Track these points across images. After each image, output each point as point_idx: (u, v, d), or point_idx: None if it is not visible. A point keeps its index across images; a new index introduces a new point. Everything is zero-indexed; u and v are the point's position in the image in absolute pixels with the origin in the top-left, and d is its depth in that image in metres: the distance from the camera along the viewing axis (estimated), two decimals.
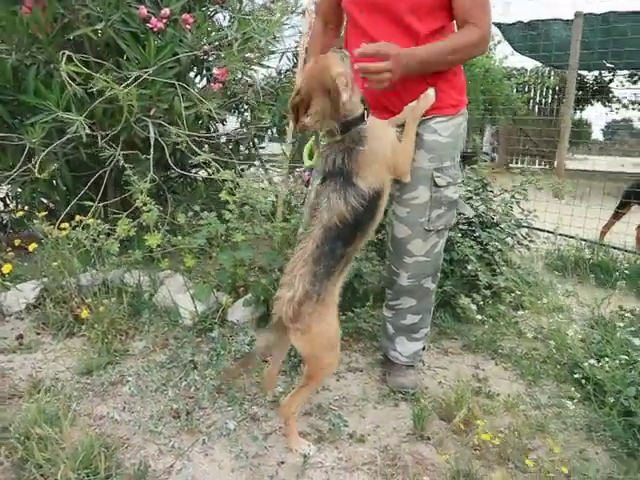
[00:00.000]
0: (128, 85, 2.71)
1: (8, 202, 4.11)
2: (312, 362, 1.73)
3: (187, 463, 1.71)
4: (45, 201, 3.80)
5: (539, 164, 12.28)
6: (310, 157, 2.00)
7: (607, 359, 2.09)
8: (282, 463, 1.72)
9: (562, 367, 2.29)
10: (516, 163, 12.25)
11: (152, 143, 2.90)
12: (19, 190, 3.66)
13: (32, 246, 2.73)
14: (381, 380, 2.22)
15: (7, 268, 2.66)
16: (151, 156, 2.87)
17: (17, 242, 3.02)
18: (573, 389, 2.08)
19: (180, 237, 2.65)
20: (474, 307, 2.58)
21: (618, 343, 2.24)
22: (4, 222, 4.03)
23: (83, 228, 2.62)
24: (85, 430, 1.77)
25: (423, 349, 2.24)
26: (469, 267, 2.70)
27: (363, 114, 1.74)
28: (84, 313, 2.51)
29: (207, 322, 2.55)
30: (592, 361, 2.12)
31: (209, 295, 2.66)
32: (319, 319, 1.67)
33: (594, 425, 1.93)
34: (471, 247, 2.72)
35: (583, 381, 2.09)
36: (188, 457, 1.74)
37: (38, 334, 2.74)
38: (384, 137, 1.78)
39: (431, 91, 1.85)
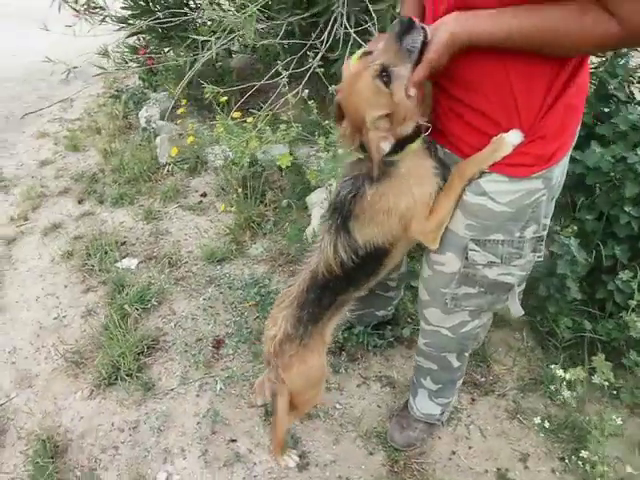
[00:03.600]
0: None
1: None
2: (294, 395, 1.79)
3: None
4: None
5: None
6: None
7: None
8: None
9: None
10: None
11: None
12: None
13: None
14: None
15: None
16: None
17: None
18: None
19: None
20: None
21: None
22: None
23: None
24: None
25: (442, 414, 2.02)
26: None
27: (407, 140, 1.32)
28: None
29: None
30: None
31: None
32: (300, 361, 1.65)
33: None
34: None
35: None
36: None
37: (217, 196, 3.34)
38: (411, 182, 1.37)
39: (512, 135, 1.19)
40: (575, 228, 2.24)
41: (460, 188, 1.33)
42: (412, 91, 1.18)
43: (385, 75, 1.19)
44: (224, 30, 2.70)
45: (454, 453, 2.02)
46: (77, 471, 2.09)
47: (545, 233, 1.42)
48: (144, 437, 2.15)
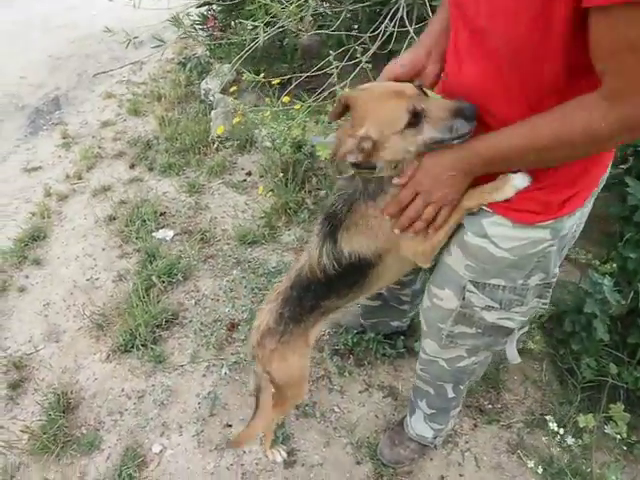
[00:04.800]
0: None
1: None
2: (276, 390, 1.78)
3: None
4: None
5: None
6: None
7: None
8: None
9: None
10: None
11: None
12: None
13: None
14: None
15: None
16: None
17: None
18: None
19: None
20: None
21: None
22: None
23: None
24: None
25: (435, 438, 1.96)
26: None
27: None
28: None
29: None
30: None
31: None
32: (280, 358, 1.64)
33: None
34: None
35: None
36: None
37: (261, 177, 3.35)
38: None
39: (518, 178, 1.12)
40: (615, 266, 2.10)
41: (457, 217, 1.27)
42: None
43: (416, 119, 1.15)
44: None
45: (443, 478, 1.98)
46: (83, 429, 2.21)
47: (554, 280, 1.32)
48: (147, 408, 2.24)
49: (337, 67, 2.72)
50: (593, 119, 0.91)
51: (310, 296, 1.53)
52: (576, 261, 2.32)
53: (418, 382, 1.82)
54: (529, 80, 0.99)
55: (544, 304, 1.35)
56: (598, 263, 2.15)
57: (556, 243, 1.20)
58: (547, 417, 2.01)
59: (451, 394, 1.74)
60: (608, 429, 1.98)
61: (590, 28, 0.85)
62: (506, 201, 1.14)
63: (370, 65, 2.57)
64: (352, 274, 1.44)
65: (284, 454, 2.00)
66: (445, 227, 1.28)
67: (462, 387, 1.74)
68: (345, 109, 1.28)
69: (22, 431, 2.18)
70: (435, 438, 1.95)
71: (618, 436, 1.91)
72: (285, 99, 3.10)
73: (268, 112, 2.94)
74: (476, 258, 1.26)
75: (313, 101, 2.61)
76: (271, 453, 2.00)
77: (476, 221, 1.23)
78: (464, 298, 1.34)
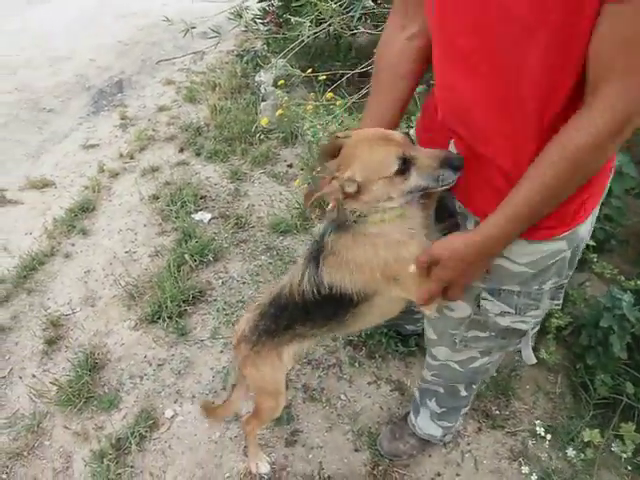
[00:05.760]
0: None
1: None
2: (255, 396, 1.82)
3: None
4: None
5: None
6: None
7: None
8: None
9: None
10: None
11: None
12: None
13: None
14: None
15: None
16: None
17: None
18: None
19: None
20: None
21: None
22: None
23: None
24: None
25: (444, 436, 1.96)
26: None
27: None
28: None
29: None
30: None
31: None
32: (253, 365, 1.69)
33: None
34: None
35: None
36: None
37: (302, 170, 3.44)
38: (378, 243, 1.26)
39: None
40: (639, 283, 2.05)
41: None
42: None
43: (405, 166, 1.16)
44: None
45: (439, 475, 2.00)
46: (105, 388, 2.36)
47: (567, 281, 1.31)
48: (165, 376, 2.36)
49: None
50: (599, 138, 0.91)
51: (286, 316, 1.52)
52: (602, 275, 2.28)
53: (426, 385, 1.82)
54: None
55: (557, 304, 1.35)
56: (623, 279, 2.10)
57: (571, 250, 1.21)
58: (536, 422, 1.98)
59: (464, 393, 1.74)
60: (615, 447, 1.94)
61: (603, 24, 0.85)
62: None
63: None
64: (331, 306, 1.39)
65: (267, 466, 2.01)
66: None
67: (475, 386, 1.74)
68: (338, 150, 1.25)
69: (52, 383, 2.35)
70: (444, 436, 1.97)
71: (624, 455, 1.87)
72: (329, 95, 3.16)
73: (310, 106, 3.02)
74: (492, 274, 1.26)
75: (353, 98, 2.67)
76: (255, 465, 2.01)
77: None
78: (479, 306, 1.35)
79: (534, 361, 1.48)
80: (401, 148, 1.17)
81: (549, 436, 1.84)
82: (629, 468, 1.95)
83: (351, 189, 1.18)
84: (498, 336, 1.41)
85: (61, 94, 4.85)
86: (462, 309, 1.39)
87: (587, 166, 0.98)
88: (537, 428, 1.83)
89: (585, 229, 1.20)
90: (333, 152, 1.27)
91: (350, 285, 1.32)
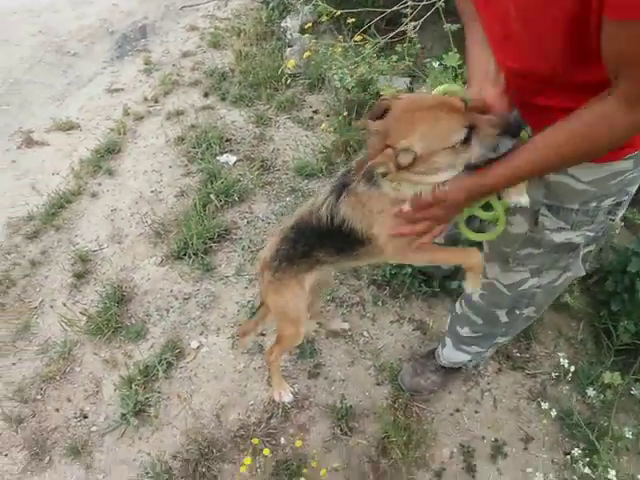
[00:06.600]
0: None
1: None
2: (277, 323, 1.87)
3: None
4: None
5: None
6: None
7: None
8: None
9: None
10: None
11: None
12: None
13: None
14: None
15: None
16: None
17: None
18: None
19: None
20: None
21: None
22: None
23: None
24: None
25: (470, 361, 1.97)
26: None
27: None
28: None
29: None
30: None
31: None
32: (275, 292, 1.72)
33: None
34: None
35: None
36: None
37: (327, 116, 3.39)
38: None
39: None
40: None
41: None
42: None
43: (468, 135, 1.11)
44: None
45: (458, 411, 2.03)
46: (132, 320, 2.42)
47: (626, 199, 1.31)
48: (191, 309, 2.41)
49: (410, 7, 2.70)
50: (615, 124, 0.96)
51: (303, 241, 1.55)
52: (632, 223, 2.25)
53: (466, 311, 1.80)
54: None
55: (612, 219, 1.35)
56: None
57: (637, 171, 1.21)
58: (560, 355, 1.98)
59: (504, 319, 1.71)
60: (635, 390, 1.96)
61: (607, 36, 0.89)
62: None
63: (444, 4, 2.52)
64: (341, 239, 1.43)
65: (290, 396, 2.05)
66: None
67: (517, 312, 1.69)
68: (384, 112, 1.18)
69: (81, 313, 2.42)
70: (470, 361, 1.98)
71: None
72: (357, 38, 3.10)
73: (339, 48, 2.96)
74: (555, 191, 1.28)
75: (385, 38, 2.61)
76: (278, 394, 2.05)
77: None
78: (536, 223, 1.35)
79: (583, 273, 1.48)
80: (465, 116, 1.11)
81: (572, 369, 1.85)
82: None
83: (406, 160, 1.10)
84: (552, 251, 1.42)
85: (84, 38, 4.81)
86: (519, 225, 1.40)
87: (602, 152, 1.04)
88: (561, 360, 1.83)
89: None
90: (379, 114, 1.18)
91: (360, 227, 1.36)
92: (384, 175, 1.17)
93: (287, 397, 2.05)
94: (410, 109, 1.14)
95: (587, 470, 1.74)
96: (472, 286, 1.42)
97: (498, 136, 1.10)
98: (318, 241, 1.52)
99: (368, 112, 1.29)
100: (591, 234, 1.37)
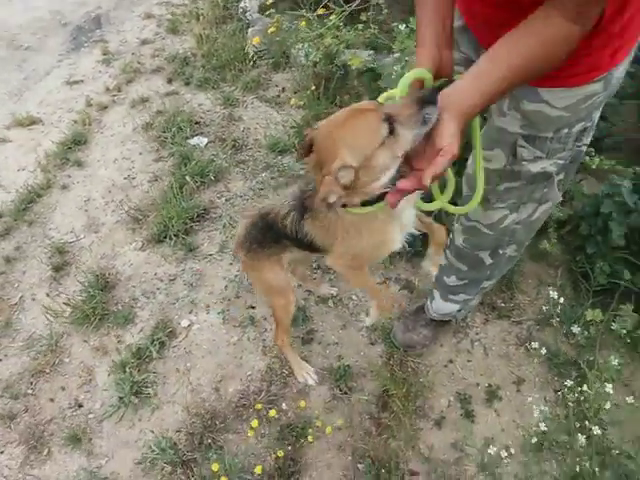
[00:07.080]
0: None
1: None
2: (265, 300, 1.93)
3: None
4: None
5: None
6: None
7: None
8: None
9: None
10: None
11: None
12: None
13: None
14: None
15: None
16: None
17: None
18: None
19: None
20: None
21: None
22: None
23: None
24: None
25: (459, 311, 2.04)
26: None
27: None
28: None
29: None
30: None
31: None
32: (253, 269, 1.77)
33: None
34: None
35: None
36: None
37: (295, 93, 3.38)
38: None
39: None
40: (638, 169, 2.11)
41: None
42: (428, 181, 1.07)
43: (392, 125, 1.08)
44: None
45: (451, 362, 2.10)
46: (119, 305, 2.40)
47: (591, 125, 1.38)
48: (178, 289, 2.40)
49: None
50: (565, 42, 1.01)
51: (272, 234, 1.61)
52: (599, 173, 2.33)
53: (450, 259, 1.86)
54: None
55: (578, 146, 1.41)
56: (620, 167, 2.16)
57: (605, 94, 1.27)
58: (549, 288, 2.06)
59: (488, 261, 1.77)
60: (615, 325, 2.05)
61: None
62: (560, 71, 1.14)
63: None
64: (305, 244, 1.54)
65: (316, 377, 2.06)
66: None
67: (500, 252, 1.74)
68: (311, 146, 1.18)
69: (65, 304, 2.39)
70: (459, 311, 2.04)
71: (624, 331, 1.97)
72: (320, 11, 3.10)
73: (303, 22, 2.96)
74: (531, 120, 1.34)
75: (351, 7, 2.62)
76: (302, 376, 2.06)
77: (532, 90, 1.27)
78: (514, 155, 1.42)
79: (560, 198, 1.57)
80: (379, 111, 1.10)
81: (561, 300, 1.93)
82: (629, 342, 2.05)
83: (348, 178, 1.10)
84: (528, 183, 1.48)
85: (37, 31, 4.66)
86: (498, 160, 1.47)
87: (553, 65, 1.07)
88: (550, 292, 1.91)
89: (618, 74, 1.25)
90: (307, 149, 1.20)
91: (322, 245, 1.50)
92: (343, 205, 1.20)
93: (312, 380, 2.05)
94: (328, 132, 1.14)
95: (580, 399, 1.83)
96: (370, 319, 1.81)
97: (420, 111, 1.07)
98: (285, 237, 1.59)
99: (298, 151, 1.42)
100: (561, 162, 1.44)
